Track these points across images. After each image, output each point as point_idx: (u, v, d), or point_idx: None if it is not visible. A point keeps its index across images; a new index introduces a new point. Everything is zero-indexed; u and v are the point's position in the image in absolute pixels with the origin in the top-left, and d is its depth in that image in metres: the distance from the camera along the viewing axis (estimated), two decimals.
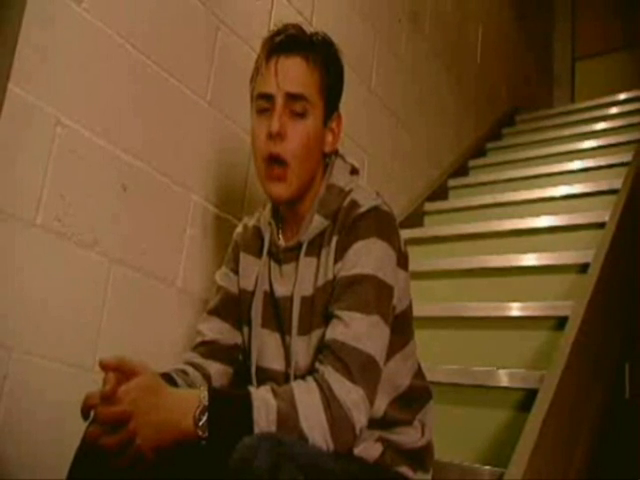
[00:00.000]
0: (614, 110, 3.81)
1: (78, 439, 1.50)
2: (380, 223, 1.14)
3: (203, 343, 1.30)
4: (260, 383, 1.21)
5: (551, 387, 1.41)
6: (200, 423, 0.93)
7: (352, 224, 1.14)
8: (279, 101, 1.19)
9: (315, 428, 0.96)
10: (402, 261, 1.19)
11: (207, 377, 1.25)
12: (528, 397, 1.58)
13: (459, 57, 3.72)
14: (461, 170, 3.50)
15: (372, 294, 1.08)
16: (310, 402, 0.97)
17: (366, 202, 1.15)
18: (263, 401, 0.96)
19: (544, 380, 1.47)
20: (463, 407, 1.67)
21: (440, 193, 3.25)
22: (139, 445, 0.92)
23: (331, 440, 0.97)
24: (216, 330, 1.30)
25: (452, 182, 3.35)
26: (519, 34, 4.75)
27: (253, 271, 1.30)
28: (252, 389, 0.99)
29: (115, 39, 1.67)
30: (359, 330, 1.05)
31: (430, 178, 3.27)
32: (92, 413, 1.00)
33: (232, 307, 1.32)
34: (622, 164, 2.75)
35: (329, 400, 0.98)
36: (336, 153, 1.29)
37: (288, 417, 0.95)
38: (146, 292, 1.72)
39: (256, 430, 0.93)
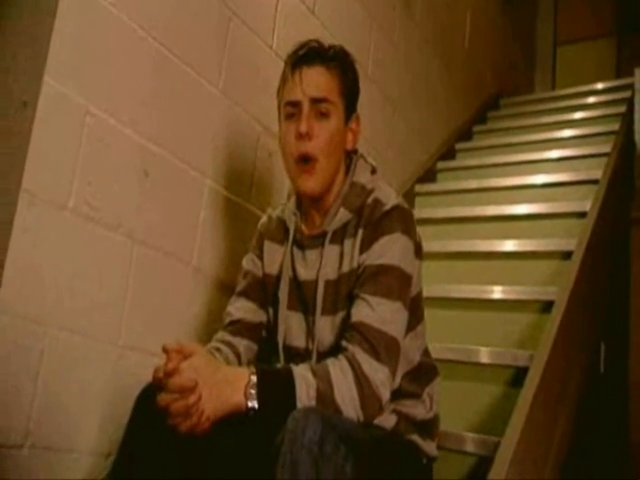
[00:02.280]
0: (592, 99, 3.97)
1: (108, 408, 1.65)
2: (402, 220, 1.28)
3: (231, 322, 1.43)
4: (286, 359, 1.36)
5: (540, 365, 1.57)
6: (250, 397, 1.08)
7: (378, 221, 1.28)
8: (305, 105, 1.32)
9: (348, 403, 1.11)
10: (418, 252, 1.34)
11: (237, 354, 1.38)
12: (518, 374, 1.75)
13: (448, 43, 3.81)
14: (449, 153, 3.63)
15: (395, 283, 1.23)
16: (344, 380, 1.12)
17: (388, 201, 1.30)
18: (304, 379, 1.10)
19: (534, 359, 1.63)
20: (457, 382, 1.82)
21: (429, 175, 3.37)
22: (202, 410, 1.06)
23: (361, 413, 1.12)
24: (242, 310, 1.43)
25: (440, 165, 3.48)
26: (505, 19, 4.86)
27: (277, 257, 1.43)
28: (293, 367, 1.13)
29: (138, 32, 1.75)
30: (384, 315, 1.19)
31: (421, 161, 3.40)
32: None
33: (258, 289, 1.45)
34: (602, 154, 2.89)
35: (360, 379, 1.12)
36: (356, 153, 1.42)
37: (325, 393, 1.10)
38: (165, 271, 1.83)
39: (298, 404, 1.07)
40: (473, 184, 3.09)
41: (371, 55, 2.89)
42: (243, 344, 1.40)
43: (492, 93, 4.46)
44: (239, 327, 1.41)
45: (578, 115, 3.71)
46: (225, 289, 2.00)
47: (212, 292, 1.98)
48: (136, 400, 1.21)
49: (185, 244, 1.90)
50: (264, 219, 1.52)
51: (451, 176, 3.40)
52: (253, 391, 1.08)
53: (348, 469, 0.97)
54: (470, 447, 1.59)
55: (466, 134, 3.91)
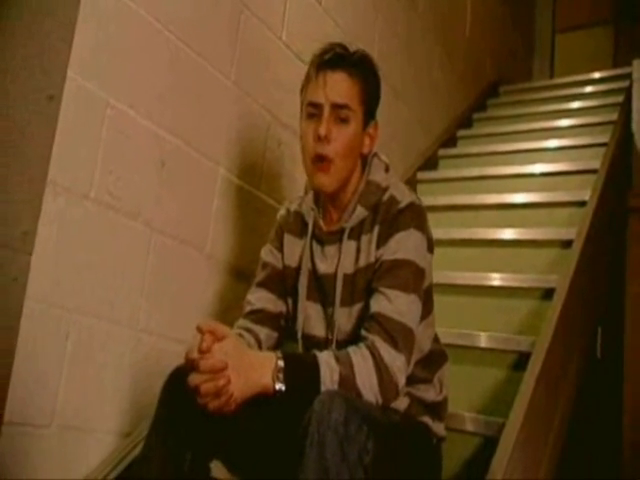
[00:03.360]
0: (590, 88, 4.02)
1: (127, 390, 1.72)
2: (416, 216, 1.36)
3: (252, 312, 1.49)
4: (305, 347, 1.43)
5: (542, 350, 1.64)
6: (278, 380, 1.15)
7: (393, 218, 1.35)
8: (326, 109, 1.37)
9: (368, 388, 1.19)
10: (430, 246, 1.41)
11: (258, 341, 1.45)
12: (520, 359, 1.83)
13: (450, 32, 3.84)
14: (450, 141, 3.67)
15: (411, 277, 1.31)
16: (365, 367, 1.19)
17: (403, 198, 1.37)
18: (328, 364, 1.18)
19: (536, 344, 1.70)
20: (462, 366, 1.89)
21: (431, 163, 3.42)
22: (232, 392, 1.13)
23: (380, 397, 1.20)
24: (263, 300, 1.49)
25: (442, 152, 3.52)
26: (504, 8, 4.89)
27: (296, 250, 1.49)
28: (317, 353, 1.20)
29: (155, 26, 1.80)
30: (401, 307, 1.27)
31: (423, 149, 3.45)
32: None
33: (277, 280, 1.51)
34: (600, 144, 2.95)
35: (379, 366, 1.20)
36: (370, 152, 1.48)
37: (348, 378, 1.17)
38: (181, 258, 1.90)
39: (322, 388, 1.15)
40: (474, 172, 3.14)
41: (376, 46, 2.93)
42: (264, 332, 1.47)
43: (491, 81, 4.50)
44: (260, 316, 1.47)
45: (576, 104, 3.76)
46: (237, 275, 2.07)
47: (225, 277, 2.05)
48: (166, 381, 1.27)
49: (199, 231, 1.97)
50: (282, 212, 1.57)
51: (452, 164, 3.44)
52: (281, 374, 1.15)
53: (370, 447, 1.05)
54: (476, 428, 1.67)
55: (466, 121, 3.96)
